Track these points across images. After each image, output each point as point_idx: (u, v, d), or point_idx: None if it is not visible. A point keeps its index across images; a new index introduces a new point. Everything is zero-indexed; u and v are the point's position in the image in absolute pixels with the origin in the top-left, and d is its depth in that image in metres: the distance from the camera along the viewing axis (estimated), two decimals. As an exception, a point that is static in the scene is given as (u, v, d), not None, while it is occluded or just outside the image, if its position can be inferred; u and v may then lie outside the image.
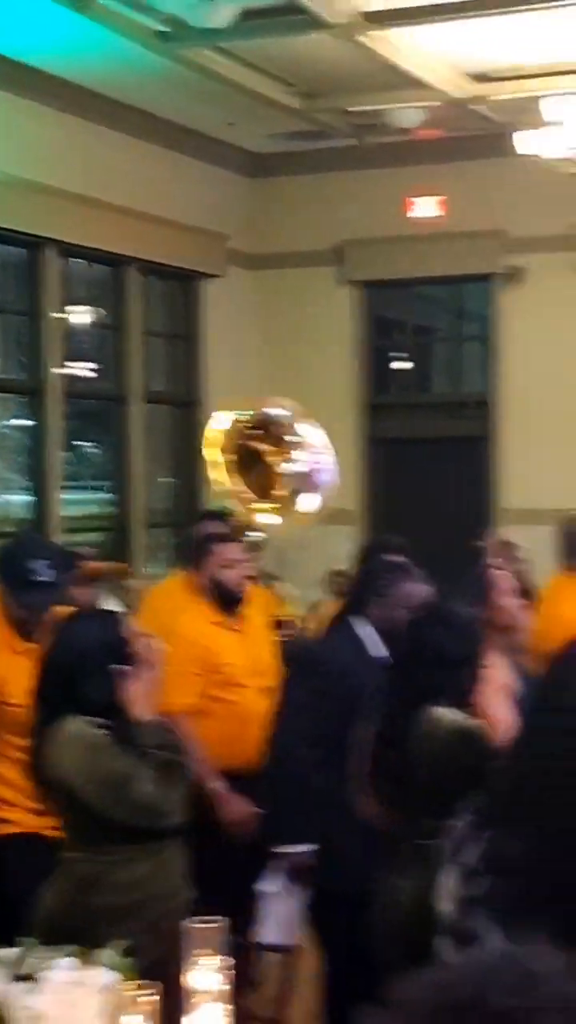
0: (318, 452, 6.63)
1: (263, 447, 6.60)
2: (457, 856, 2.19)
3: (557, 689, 2.03)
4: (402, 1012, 1.02)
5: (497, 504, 10.72)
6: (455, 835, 2.21)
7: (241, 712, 5.17)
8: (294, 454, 6.59)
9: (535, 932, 1.88)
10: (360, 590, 4.86)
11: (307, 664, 4.78)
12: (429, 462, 11.04)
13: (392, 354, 11.78)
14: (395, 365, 11.79)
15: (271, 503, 6.58)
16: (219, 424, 6.59)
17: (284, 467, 6.56)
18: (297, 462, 6.56)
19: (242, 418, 6.59)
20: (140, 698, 3.54)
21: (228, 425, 6.56)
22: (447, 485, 10.91)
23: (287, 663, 5.20)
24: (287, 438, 6.63)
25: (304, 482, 6.58)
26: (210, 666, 5.26)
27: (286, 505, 6.57)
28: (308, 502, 6.59)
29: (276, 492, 6.53)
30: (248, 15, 7.68)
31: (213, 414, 6.87)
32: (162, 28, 7.97)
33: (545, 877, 1.99)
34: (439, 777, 3.45)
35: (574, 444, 10.45)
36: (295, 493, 6.56)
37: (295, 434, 6.66)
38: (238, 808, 5.11)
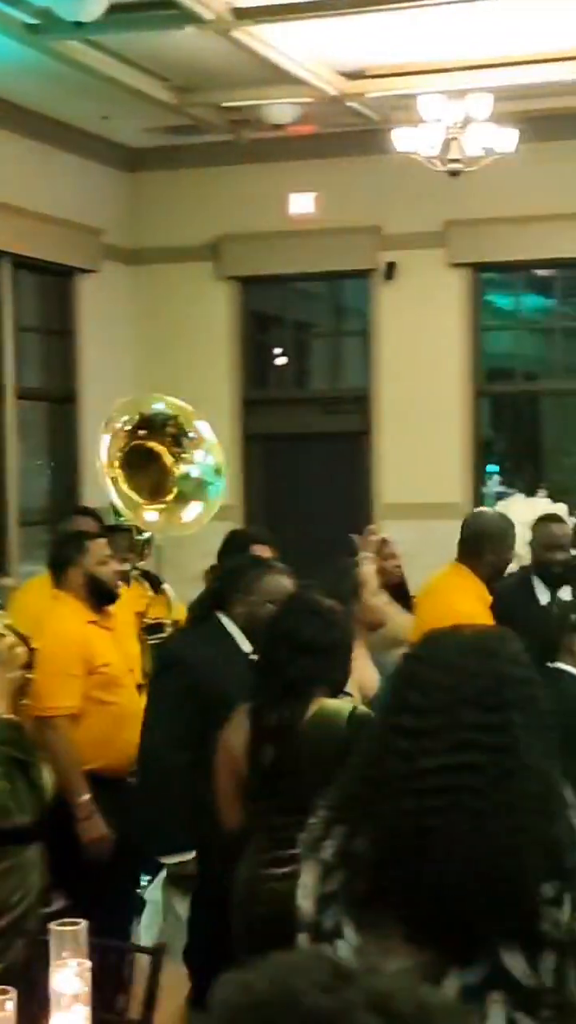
0: (210, 454, 6.62)
1: (159, 447, 6.57)
2: (315, 852, 2.19)
3: (404, 687, 2.03)
4: (215, 1013, 1.00)
5: (376, 499, 10.79)
6: (312, 830, 2.21)
7: (119, 712, 5.13)
8: (191, 455, 6.58)
9: (386, 929, 1.88)
10: (224, 586, 4.83)
11: (172, 664, 4.72)
12: (308, 458, 11.07)
13: (270, 350, 11.79)
14: (273, 361, 11.80)
15: (161, 504, 6.55)
16: (112, 422, 6.55)
17: (180, 468, 6.54)
18: (192, 464, 6.55)
19: (138, 415, 6.56)
20: None
21: (121, 423, 6.53)
22: (326, 481, 10.94)
23: (156, 664, 5.14)
24: (185, 438, 6.62)
25: (197, 488, 6.57)
26: (90, 667, 5.21)
27: (175, 508, 6.55)
28: (195, 509, 6.59)
29: (167, 494, 6.51)
30: (120, 8, 7.62)
31: (112, 411, 6.81)
32: (32, 21, 7.88)
33: (391, 874, 2.00)
34: (333, 769, 3.42)
35: (451, 438, 10.56)
36: (184, 497, 6.55)
37: (192, 434, 6.65)
38: (96, 830, 5.05)
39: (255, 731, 3.81)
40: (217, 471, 6.63)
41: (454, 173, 8.72)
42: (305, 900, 2.22)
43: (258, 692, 3.88)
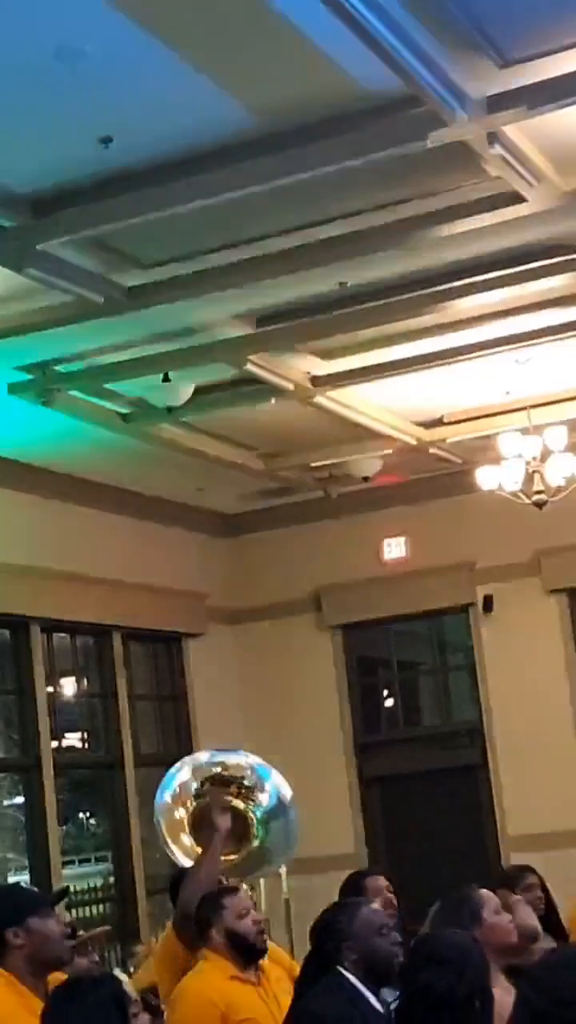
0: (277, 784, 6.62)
1: (229, 798, 6.57)
2: None
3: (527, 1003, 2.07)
4: None
5: (501, 832, 10.62)
6: None
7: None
8: (258, 796, 6.57)
9: None
10: (323, 940, 4.67)
11: None
12: (426, 796, 10.98)
13: (379, 692, 11.88)
14: (383, 702, 11.87)
15: (246, 849, 6.51)
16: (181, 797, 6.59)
17: (252, 811, 6.52)
18: (263, 798, 6.53)
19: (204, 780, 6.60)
20: None
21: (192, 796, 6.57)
22: (446, 817, 10.82)
23: None
24: (245, 783, 6.63)
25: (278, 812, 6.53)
26: (228, 1021, 5.11)
27: (261, 852, 6.50)
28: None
29: (251, 838, 6.49)
30: (205, 390, 8.12)
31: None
32: (125, 411, 8.42)
33: None
34: None
35: (567, 763, 10.45)
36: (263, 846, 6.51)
37: (251, 777, 6.67)
38: None
39: None
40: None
41: (540, 504, 8.96)
42: None
43: None
